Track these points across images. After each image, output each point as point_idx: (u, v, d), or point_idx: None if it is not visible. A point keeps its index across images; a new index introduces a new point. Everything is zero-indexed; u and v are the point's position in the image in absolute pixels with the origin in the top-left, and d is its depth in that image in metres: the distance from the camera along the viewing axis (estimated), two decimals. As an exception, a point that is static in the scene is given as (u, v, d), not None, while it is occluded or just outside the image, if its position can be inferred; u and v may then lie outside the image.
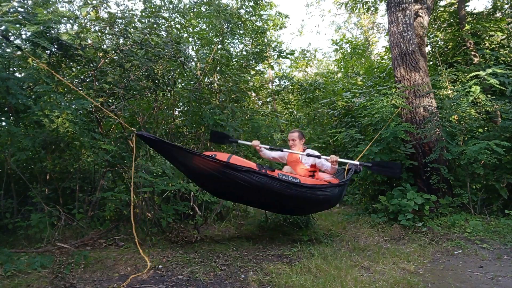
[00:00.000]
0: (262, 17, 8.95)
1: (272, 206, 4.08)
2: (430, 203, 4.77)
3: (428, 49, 7.85)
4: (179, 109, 5.98)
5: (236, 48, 7.94)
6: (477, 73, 5.51)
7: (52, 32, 3.64)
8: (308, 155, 3.88)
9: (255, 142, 4.03)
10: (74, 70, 4.66)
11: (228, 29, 5.80)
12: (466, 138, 5.31)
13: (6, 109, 3.77)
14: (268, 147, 4.12)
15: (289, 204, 3.76)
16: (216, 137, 4.32)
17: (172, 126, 5.34)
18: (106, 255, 3.35)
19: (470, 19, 8.01)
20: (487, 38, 7.51)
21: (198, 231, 4.29)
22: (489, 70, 5.33)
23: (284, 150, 4.08)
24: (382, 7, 10.69)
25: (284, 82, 10.88)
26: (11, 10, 3.46)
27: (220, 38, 5.83)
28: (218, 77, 6.12)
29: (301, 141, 4.09)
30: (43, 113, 3.51)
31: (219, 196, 4.25)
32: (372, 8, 10.57)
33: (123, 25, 4.48)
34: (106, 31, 4.49)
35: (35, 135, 3.78)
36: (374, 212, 5.34)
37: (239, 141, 4.29)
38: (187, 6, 7.24)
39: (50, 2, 4.23)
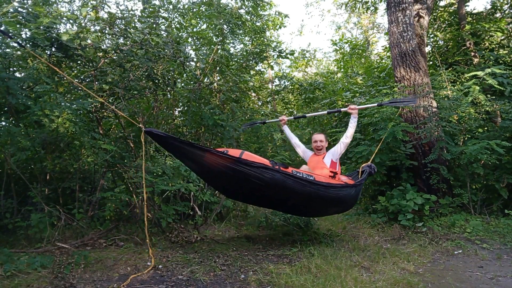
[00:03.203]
0: (262, 17, 8.95)
1: (285, 205, 3.85)
2: (430, 203, 4.77)
3: (428, 49, 7.85)
4: (179, 109, 5.98)
5: (236, 48, 7.94)
6: (475, 73, 5.52)
7: (52, 32, 3.64)
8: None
9: (282, 117, 4.30)
10: (74, 70, 4.66)
11: (229, 30, 5.80)
12: (466, 138, 5.31)
13: (6, 109, 3.77)
14: (292, 118, 4.64)
15: (303, 203, 3.59)
16: (247, 125, 4.77)
17: (172, 126, 5.35)
18: (106, 255, 3.35)
19: (470, 19, 8.01)
20: (487, 38, 7.52)
21: (198, 231, 4.29)
22: (488, 70, 5.34)
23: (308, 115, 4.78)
24: (382, 6, 10.70)
25: (284, 82, 10.88)
26: (11, 10, 3.46)
27: (220, 38, 5.83)
28: (218, 77, 6.12)
29: (326, 143, 4.08)
30: (43, 113, 3.51)
31: (229, 195, 4.15)
32: (371, 8, 10.58)
33: (123, 25, 4.48)
34: (106, 31, 4.49)
35: (35, 135, 3.78)
36: (374, 212, 5.34)
37: (267, 121, 4.77)
38: (186, 6, 7.25)
39: (50, 2, 4.23)
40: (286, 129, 4.30)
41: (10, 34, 3.34)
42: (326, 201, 3.55)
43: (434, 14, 8.56)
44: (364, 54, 12.80)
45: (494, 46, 7.54)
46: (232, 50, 7.37)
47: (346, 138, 3.87)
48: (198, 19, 7.33)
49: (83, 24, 4.36)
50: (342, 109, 4.21)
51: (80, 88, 4.42)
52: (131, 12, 4.99)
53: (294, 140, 4.25)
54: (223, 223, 5.01)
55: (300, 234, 4.45)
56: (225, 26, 5.71)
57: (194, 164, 3.29)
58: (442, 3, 8.98)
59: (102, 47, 4.37)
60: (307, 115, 4.86)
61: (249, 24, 7.67)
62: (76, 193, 4.26)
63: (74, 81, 3.58)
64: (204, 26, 7.27)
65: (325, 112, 4.43)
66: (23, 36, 3.72)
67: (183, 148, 3.05)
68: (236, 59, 6.61)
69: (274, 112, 9.27)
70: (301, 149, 4.22)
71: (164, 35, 4.85)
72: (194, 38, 6.74)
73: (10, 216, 3.86)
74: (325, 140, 4.08)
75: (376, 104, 4.14)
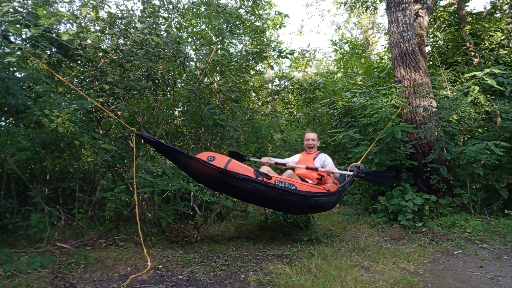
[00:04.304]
0: (261, 17, 8.94)
1: (271, 206, 4.18)
2: (430, 203, 4.77)
3: (428, 49, 7.85)
4: (179, 109, 5.97)
5: (236, 48, 7.93)
6: (474, 73, 5.52)
7: (52, 33, 3.64)
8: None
9: (264, 159, 4.20)
10: (74, 70, 4.66)
11: (228, 29, 5.79)
12: (465, 138, 5.31)
13: (6, 109, 3.77)
14: (274, 161, 4.27)
15: (286, 207, 3.87)
16: (233, 154, 4.48)
17: (172, 126, 5.34)
18: (106, 255, 3.35)
19: (470, 19, 8.01)
20: (487, 38, 7.52)
21: (198, 231, 4.29)
22: (487, 70, 5.34)
23: (288, 164, 4.23)
24: (382, 6, 10.70)
25: (284, 82, 10.88)
26: (11, 10, 3.46)
27: (220, 38, 5.83)
28: (218, 77, 6.12)
29: (318, 143, 4.26)
30: (43, 113, 3.51)
31: (223, 193, 4.40)
32: (371, 8, 10.59)
33: (123, 25, 4.48)
34: (106, 31, 4.48)
35: (35, 135, 3.78)
36: (374, 212, 5.34)
37: (251, 159, 4.54)
38: (186, 6, 7.25)
39: (50, 2, 4.22)
40: (274, 161, 4.29)
41: (9, 38, 3.35)
42: (306, 207, 3.80)
43: (434, 14, 8.56)
44: (364, 54, 12.80)
45: (494, 46, 7.54)
46: (232, 50, 7.37)
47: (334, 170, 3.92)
48: (198, 19, 7.32)
49: (83, 24, 4.36)
50: (320, 169, 4.00)
51: (80, 88, 4.43)
52: (131, 12, 4.99)
53: (286, 160, 4.36)
54: (223, 223, 5.01)
55: (300, 234, 4.45)
56: (224, 26, 5.70)
57: (183, 167, 3.51)
58: (442, 3, 8.98)
59: (102, 47, 4.37)
60: (289, 165, 4.31)
61: (249, 24, 7.66)
62: (76, 193, 4.26)
63: (72, 84, 3.58)
64: (203, 26, 7.26)
65: (304, 166, 4.05)
66: (23, 36, 3.72)
67: (172, 153, 3.27)
68: (236, 59, 6.60)
69: (274, 112, 9.26)
70: (291, 163, 4.31)
71: (164, 35, 4.85)
72: (194, 38, 6.74)
73: (10, 216, 3.86)
74: (317, 139, 4.26)
75: (351, 174, 3.84)
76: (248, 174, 3.37)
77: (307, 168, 3.93)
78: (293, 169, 4.19)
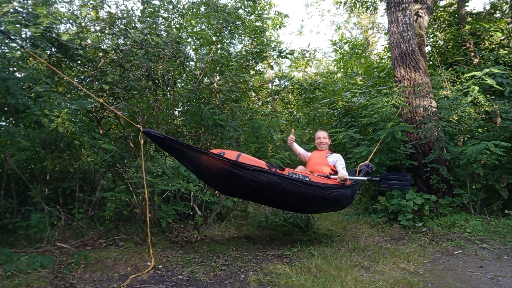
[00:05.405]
0: (261, 17, 8.94)
1: (283, 204, 3.98)
2: (430, 203, 4.77)
3: (428, 49, 7.85)
4: (179, 109, 5.97)
5: (236, 48, 7.93)
6: (474, 73, 5.52)
7: (52, 32, 3.64)
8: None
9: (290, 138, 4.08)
10: (74, 70, 4.66)
11: (227, 29, 5.79)
12: (465, 138, 5.32)
13: (6, 109, 3.77)
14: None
15: (300, 202, 3.69)
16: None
17: (172, 126, 5.34)
18: (106, 255, 3.35)
19: (470, 19, 8.01)
20: (487, 38, 7.52)
21: (198, 231, 4.29)
22: (486, 70, 5.34)
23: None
24: (382, 6, 10.71)
25: (284, 82, 10.88)
26: (11, 10, 3.46)
27: (219, 38, 5.83)
28: (218, 77, 6.12)
29: (329, 141, 4.19)
30: (43, 113, 3.50)
31: (230, 195, 4.25)
32: (371, 8, 10.59)
33: (123, 25, 4.48)
34: (106, 31, 4.48)
35: (35, 135, 3.78)
36: (374, 212, 5.34)
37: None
38: (186, 6, 7.25)
39: (50, 2, 4.22)
40: (295, 145, 4.25)
41: (10, 35, 3.34)
42: (322, 201, 3.65)
43: (434, 14, 8.57)
44: (364, 54, 12.81)
45: (494, 46, 7.55)
46: (231, 50, 7.36)
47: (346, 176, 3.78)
48: (197, 19, 7.32)
49: (83, 24, 4.36)
50: (332, 177, 3.81)
51: (80, 88, 4.42)
52: (130, 12, 4.99)
53: (299, 151, 4.28)
54: (223, 223, 5.01)
55: (300, 234, 4.45)
56: (224, 25, 5.70)
57: (191, 165, 3.36)
58: (442, 3, 8.98)
59: (102, 47, 4.37)
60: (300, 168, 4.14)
61: (248, 23, 7.66)
62: (76, 193, 4.26)
63: (74, 82, 3.57)
64: (203, 26, 7.26)
65: (315, 175, 3.76)
66: (23, 36, 3.72)
67: (180, 149, 3.12)
68: (236, 59, 6.61)
69: (274, 112, 9.26)
70: (303, 156, 4.29)
71: (164, 35, 4.85)
72: (194, 38, 6.74)
73: (10, 216, 3.85)
74: (328, 137, 4.18)
75: (366, 179, 3.90)
76: (261, 166, 3.23)
77: (319, 176, 3.72)
78: (304, 165, 4.13)
